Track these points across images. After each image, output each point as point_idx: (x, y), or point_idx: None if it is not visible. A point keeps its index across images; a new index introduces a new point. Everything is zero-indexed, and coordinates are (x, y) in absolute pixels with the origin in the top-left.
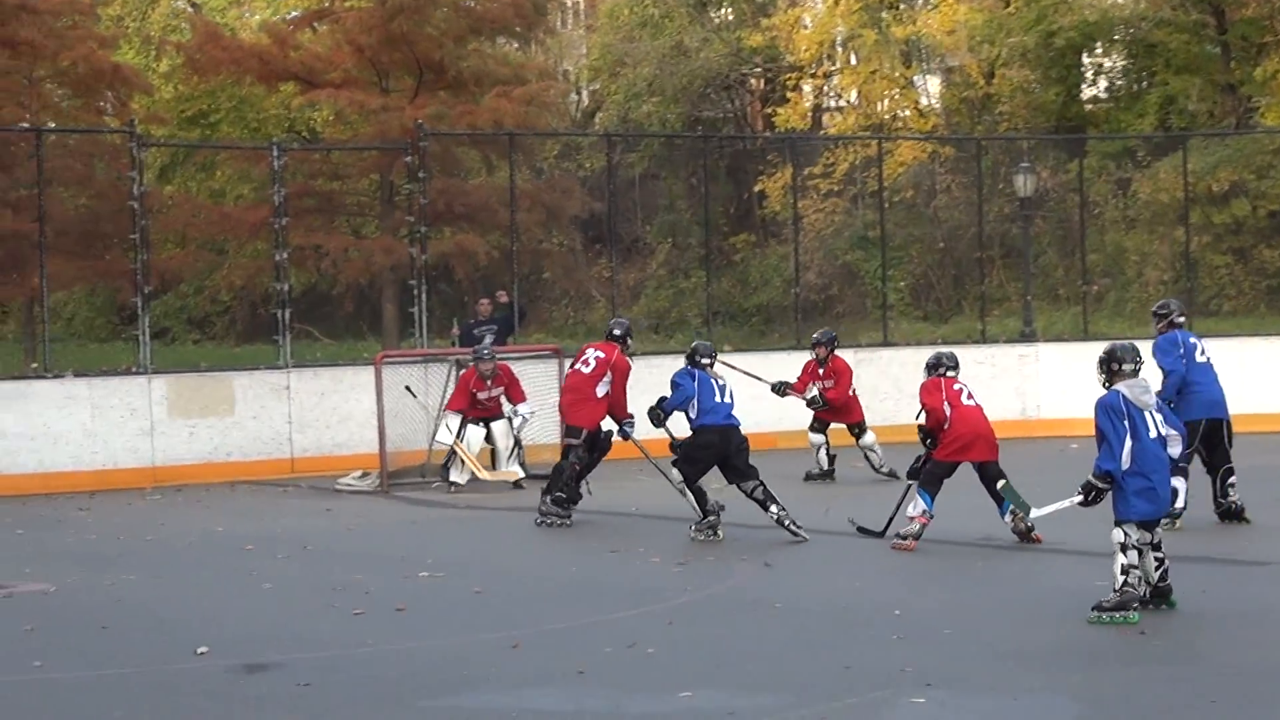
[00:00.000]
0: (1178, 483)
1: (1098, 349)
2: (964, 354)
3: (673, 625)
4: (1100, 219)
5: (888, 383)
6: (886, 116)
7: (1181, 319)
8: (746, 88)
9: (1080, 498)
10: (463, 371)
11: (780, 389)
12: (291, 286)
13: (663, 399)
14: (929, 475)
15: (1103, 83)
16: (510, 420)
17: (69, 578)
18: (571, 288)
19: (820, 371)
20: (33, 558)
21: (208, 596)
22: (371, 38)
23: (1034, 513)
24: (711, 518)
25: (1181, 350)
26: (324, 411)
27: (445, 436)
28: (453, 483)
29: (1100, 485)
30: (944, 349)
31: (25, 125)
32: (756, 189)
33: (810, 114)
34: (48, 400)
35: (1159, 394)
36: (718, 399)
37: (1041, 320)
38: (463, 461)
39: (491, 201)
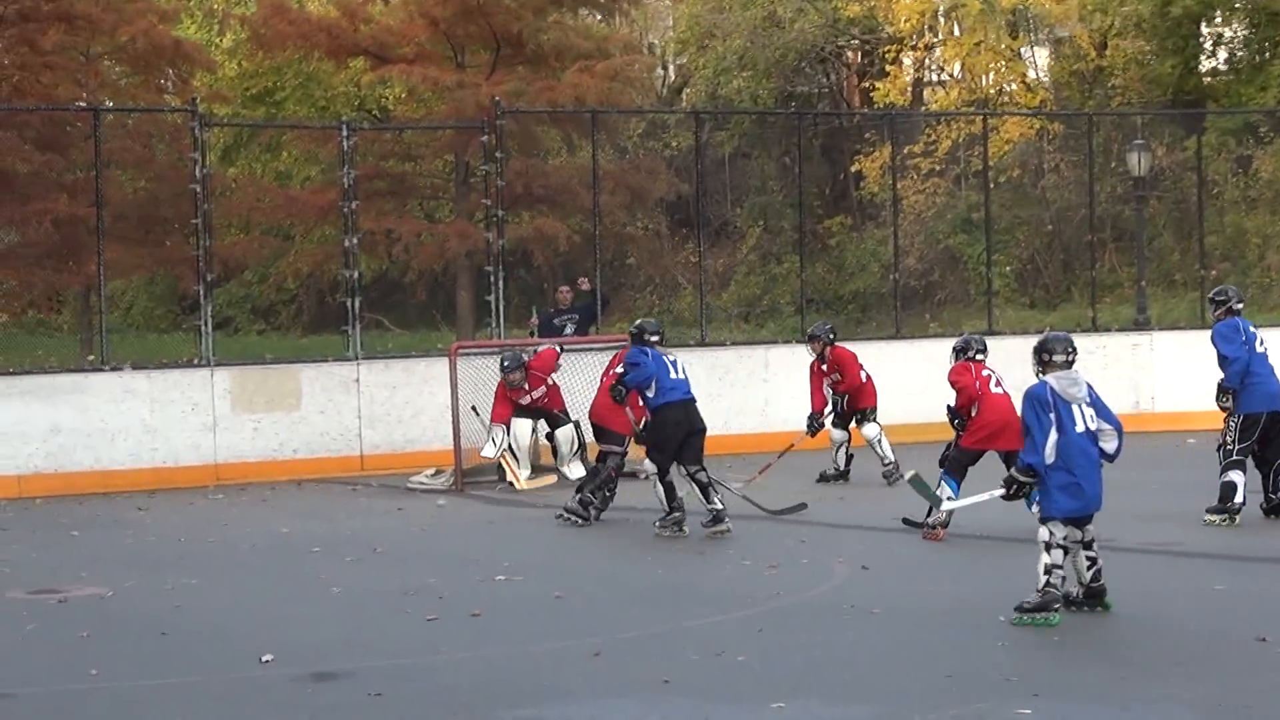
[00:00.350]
0: (1236, 477)
1: None
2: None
3: (764, 632)
4: (1219, 199)
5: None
6: (992, 91)
7: (1240, 305)
8: (843, 61)
9: (1002, 491)
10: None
11: (812, 427)
12: (361, 274)
13: (623, 379)
14: (954, 462)
15: (1222, 54)
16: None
17: (126, 581)
18: (657, 274)
19: (824, 368)
20: (89, 560)
21: (273, 602)
22: (446, 10)
23: (947, 504)
24: (677, 514)
25: (1243, 338)
26: (395, 406)
27: (491, 451)
28: (510, 483)
29: (1022, 479)
30: (974, 335)
31: (82, 104)
32: (853, 169)
33: (910, 89)
34: (105, 394)
35: (1222, 383)
36: (673, 375)
37: (1156, 307)
38: (518, 463)
39: (572, 183)
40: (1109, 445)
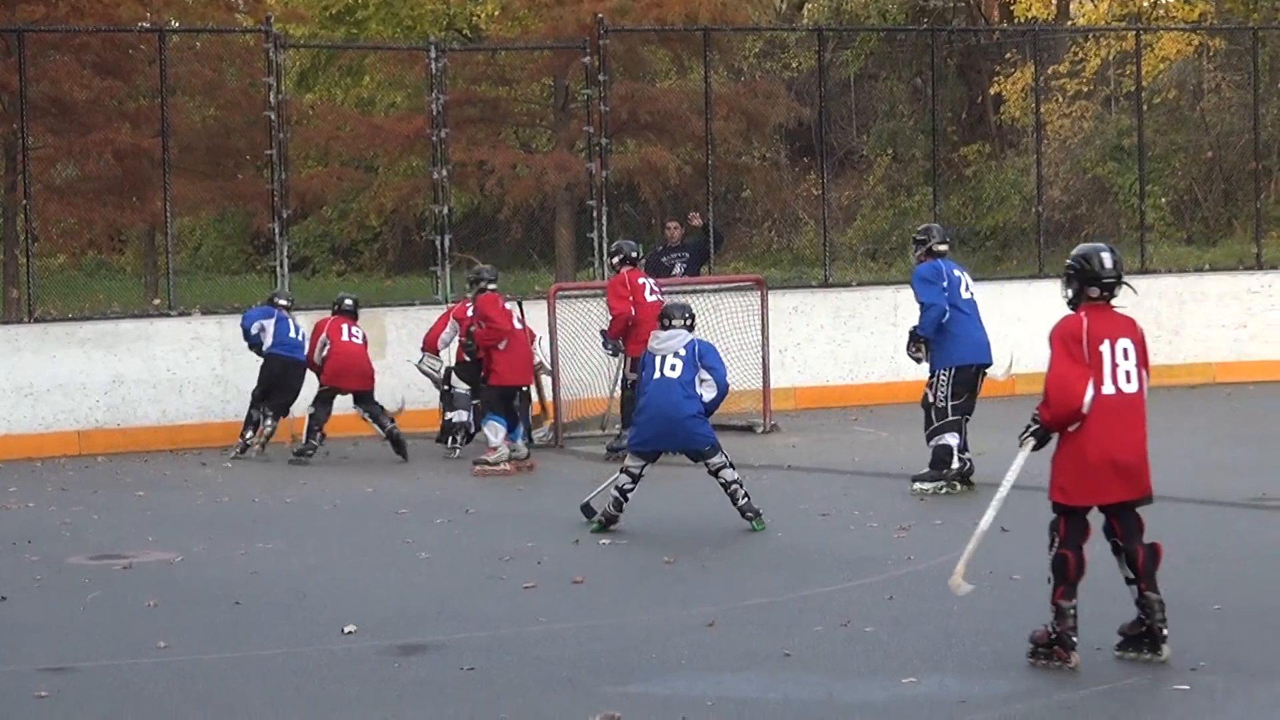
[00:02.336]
0: (950, 439)
1: None
2: (1236, 282)
3: (894, 600)
4: None
5: (1145, 316)
6: (1145, 4)
7: (944, 246)
8: None
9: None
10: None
11: None
12: (451, 209)
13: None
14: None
15: None
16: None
17: (196, 546)
18: (775, 208)
19: None
20: (156, 523)
21: (356, 568)
22: None
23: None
24: None
25: (945, 283)
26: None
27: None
28: None
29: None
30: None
31: (146, 25)
32: (991, 91)
33: (1055, 2)
34: (172, 342)
35: (914, 330)
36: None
37: None
38: None
39: (683, 109)
40: (708, 394)
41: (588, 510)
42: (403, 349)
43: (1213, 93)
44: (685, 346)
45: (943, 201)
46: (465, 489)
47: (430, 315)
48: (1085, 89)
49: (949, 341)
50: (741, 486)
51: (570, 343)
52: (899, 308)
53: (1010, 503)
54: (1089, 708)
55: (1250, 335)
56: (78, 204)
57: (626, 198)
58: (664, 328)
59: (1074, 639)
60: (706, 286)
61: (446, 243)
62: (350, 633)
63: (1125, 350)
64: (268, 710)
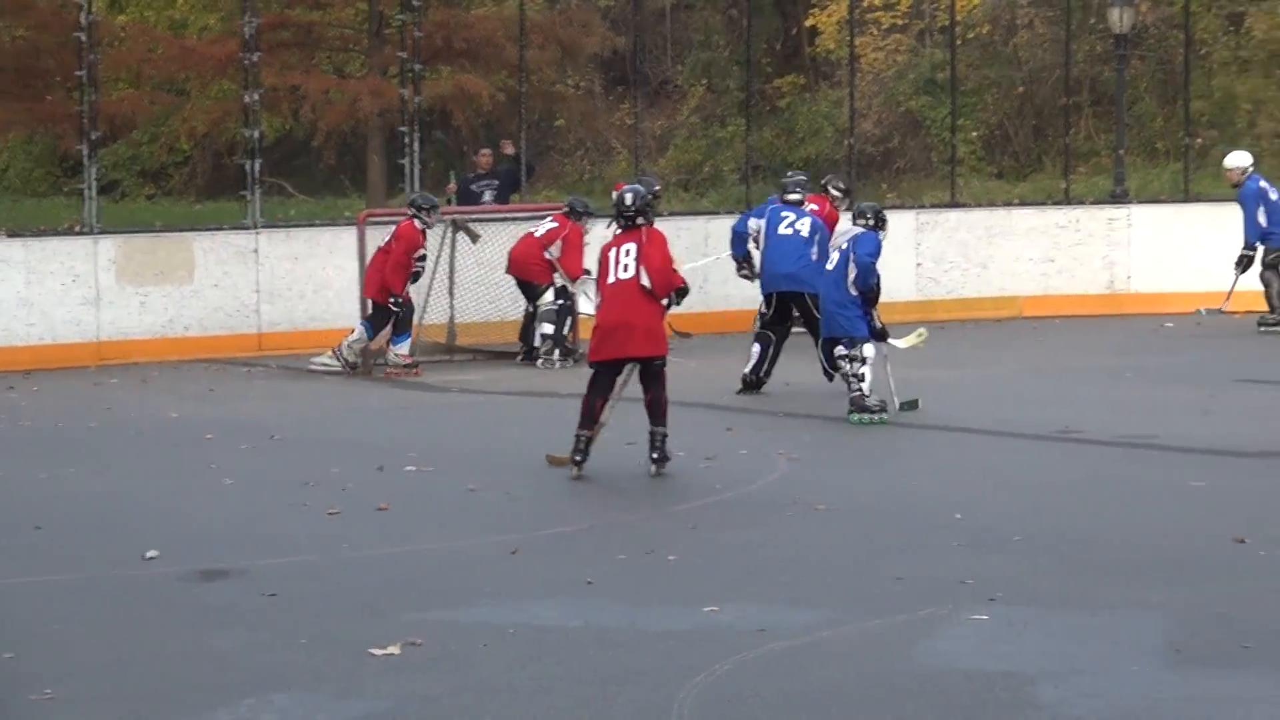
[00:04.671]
0: (754, 349)
1: (1200, 212)
2: (1044, 216)
3: (697, 529)
4: (1207, 60)
5: (954, 250)
6: None
7: (793, 196)
8: None
9: None
10: (568, 231)
11: None
12: (263, 133)
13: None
14: None
15: None
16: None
17: None
18: (588, 137)
19: None
20: None
21: (159, 493)
22: None
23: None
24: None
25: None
26: (297, 279)
27: (587, 306)
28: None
29: None
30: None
31: None
32: (807, 24)
33: None
34: None
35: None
36: None
37: (1135, 179)
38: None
39: (497, 36)
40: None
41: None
42: (210, 273)
43: (1026, 28)
44: (847, 240)
45: (756, 133)
46: (271, 415)
47: (240, 240)
48: (900, 23)
49: (762, 272)
50: (862, 381)
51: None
52: (710, 238)
53: (816, 431)
54: (889, 636)
55: (1057, 270)
56: None
57: (439, 125)
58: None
59: (578, 458)
60: (516, 214)
61: (257, 167)
62: (152, 558)
63: (627, 250)
64: (68, 635)
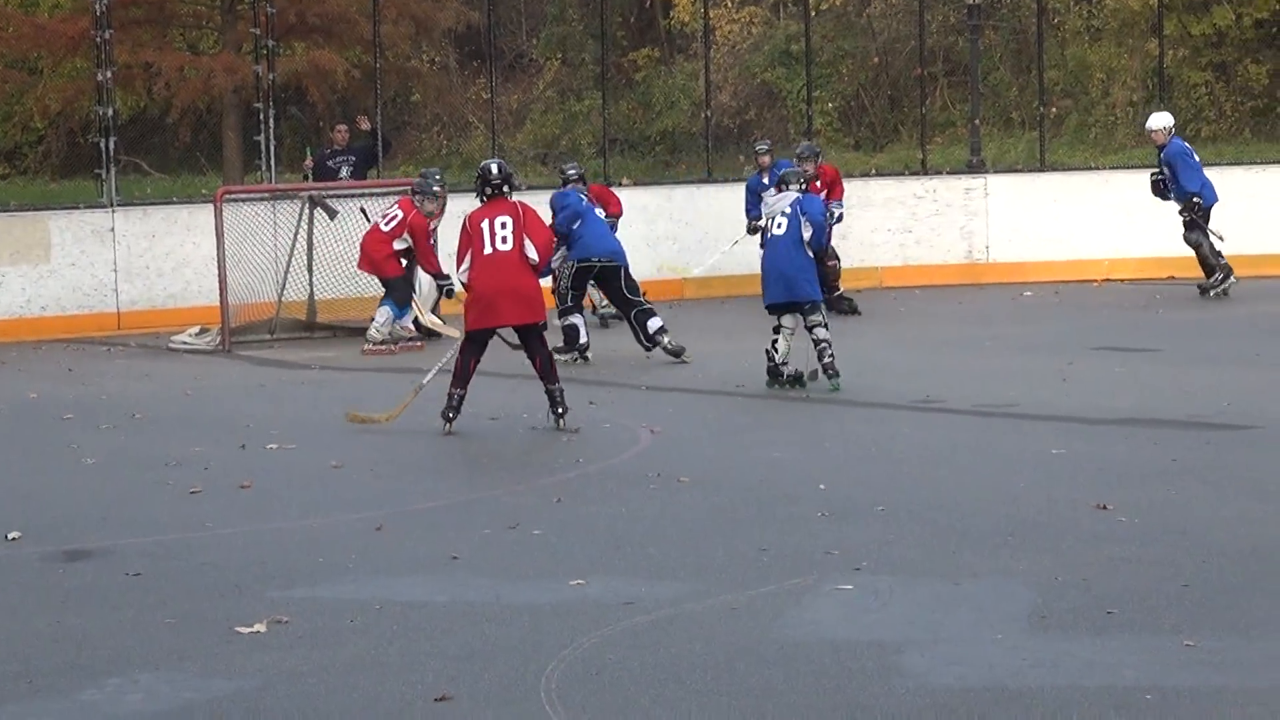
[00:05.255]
0: (576, 319)
1: (1056, 181)
2: (902, 187)
3: (562, 503)
4: (1061, 30)
5: None
6: None
7: (572, 171)
8: None
9: None
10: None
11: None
12: (117, 111)
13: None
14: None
15: None
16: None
17: None
18: (445, 112)
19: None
20: None
21: (20, 473)
22: None
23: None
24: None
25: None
26: (155, 257)
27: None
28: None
29: None
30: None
31: None
32: None
33: None
34: None
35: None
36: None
37: (991, 148)
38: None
39: (350, 11)
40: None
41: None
42: (67, 252)
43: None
44: (790, 205)
45: (612, 106)
46: (132, 394)
47: (96, 219)
48: None
49: (575, 242)
50: (830, 346)
51: (238, 246)
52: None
53: (677, 404)
54: (755, 608)
55: (916, 240)
56: None
57: (294, 101)
58: (779, 190)
59: (450, 414)
60: (372, 190)
61: (112, 145)
62: (14, 539)
63: (504, 224)
64: None
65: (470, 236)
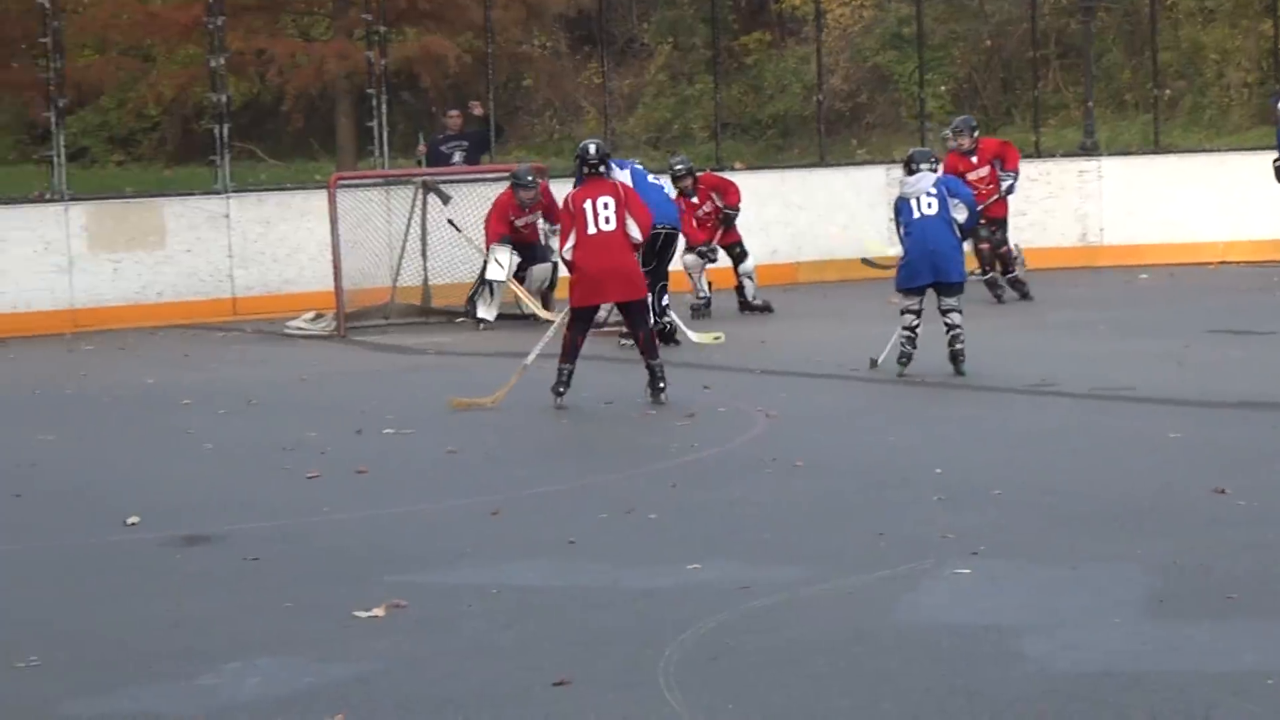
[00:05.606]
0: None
1: (1171, 163)
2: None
3: (678, 487)
4: (1174, 11)
5: None
6: None
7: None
8: None
9: None
10: (499, 195)
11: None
12: (230, 98)
13: None
14: None
15: None
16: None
17: None
18: (556, 97)
19: (695, 202)
20: None
21: (138, 459)
22: None
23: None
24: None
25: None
26: (270, 244)
27: (497, 273)
28: (481, 320)
29: None
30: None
31: None
32: None
33: None
34: None
35: None
36: None
37: (1105, 131)
38: (493, 296)
39: None
40: (960, 216)
41: (873, 363)
42: (182, 239)
43: None
44: (934, 185)
45: (724, 90)
46: (248, 379)
47: (211, 205)
48: None
49: None
50: (962, 333)
51: (352, 232)
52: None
53: (793, 388)
54: (871, 592)
55: (1029, 223)
56: None
57: (406, 86)
58: (910, 172)
59: (560, 389)
60: (486, 175)
61: (226, 132)
62: (133, 524)
63: (606, 204)
64: (49, 603)
65: (573, 216)
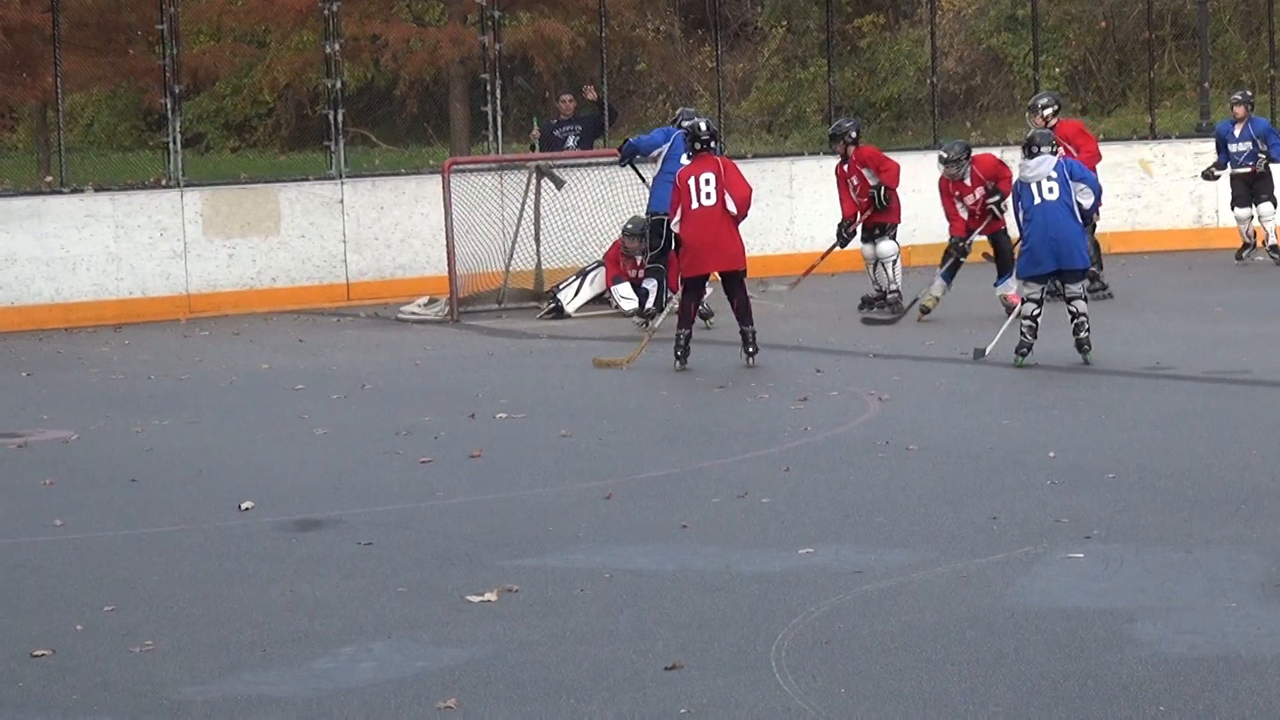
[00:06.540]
0: (650, 284)
1: None
2: (1130, 151)
3: (790, 471)
4: None
5: None
6: None
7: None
8: None
9: None
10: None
11: (843, 236)
12: (345, 83)
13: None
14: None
15: None
16: None
17: (92, 424)
18: (670, 81)
19: (847, 169)
20: (51, 401)
21: (253, 444)
22: None
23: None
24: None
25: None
26: (384, 229)
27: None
28: (553, 309)
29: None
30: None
31: None
32: None
33: None
34: (65, 219)
35: None
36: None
37: (1220, 112)
38: (578, 290)
39: None
40: (1085, 201)
41: (978, 354)
42: (296, 224)
43: None
44: (1055, 169)
45: (837, 73)
46: (361, 364)
47: (325, 191)
48: None
49: (650, 195)
50: (1087, 320)
51: (466, 216)
52: (794, 179)
53: (905, 371)
54: (985, 576)
55: (1144, 205)
56: None
57: (520, 71)
58: (1030, 155)
59: (680, 354)
60: (599, 159)
61: (340, 117)
62: (247, 509)
63: (707, 180)
64: (164, 587)
65: (680, 193)
